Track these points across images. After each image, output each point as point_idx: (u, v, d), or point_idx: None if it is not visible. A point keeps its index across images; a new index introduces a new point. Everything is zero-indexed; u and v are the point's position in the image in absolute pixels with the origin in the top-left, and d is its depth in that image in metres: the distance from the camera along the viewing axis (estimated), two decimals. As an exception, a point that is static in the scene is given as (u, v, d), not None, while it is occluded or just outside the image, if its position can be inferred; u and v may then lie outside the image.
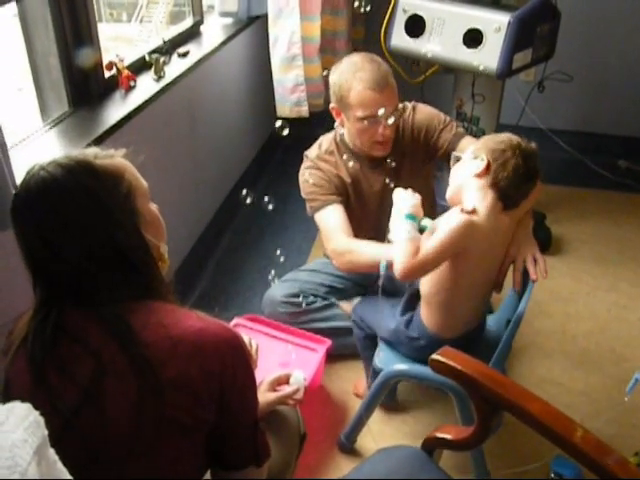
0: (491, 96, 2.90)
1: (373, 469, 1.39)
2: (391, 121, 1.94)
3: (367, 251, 1.89)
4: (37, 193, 0.97)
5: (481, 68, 2.62)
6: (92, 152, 1.04)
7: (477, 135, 2.91)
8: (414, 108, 2.11)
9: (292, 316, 2.24)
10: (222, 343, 1.01)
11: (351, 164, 2.07)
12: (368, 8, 2.10)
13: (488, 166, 1.65)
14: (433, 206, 2.31)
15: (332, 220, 2.01)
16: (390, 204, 2.14)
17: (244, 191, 1.90)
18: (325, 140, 2.14)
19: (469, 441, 1.38)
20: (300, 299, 2.23)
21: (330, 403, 2.17)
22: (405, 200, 1.70)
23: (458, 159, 1.76)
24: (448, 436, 1.41)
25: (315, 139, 2.19)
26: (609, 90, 3.75)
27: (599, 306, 2.68)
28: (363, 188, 2.11)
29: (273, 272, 2.37)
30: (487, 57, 2.58)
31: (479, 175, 1.66)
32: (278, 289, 2.27)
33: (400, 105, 2.06)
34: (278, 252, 2.36)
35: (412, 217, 1.66)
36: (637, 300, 2.71)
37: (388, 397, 2.05)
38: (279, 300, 2.24)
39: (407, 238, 1.62)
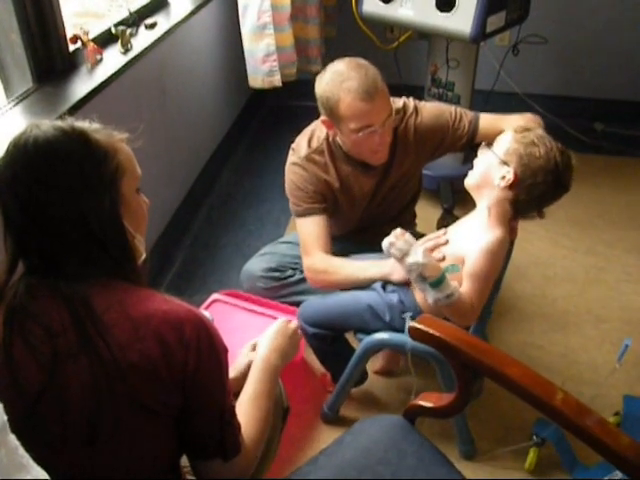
0: (466, 61, 2.86)
1: (355, 439, 1.39)
2: (389, 127, 1.85)
3: (342, 272, 1.88)
4: (24, 147, 0.95)
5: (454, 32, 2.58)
6: (94, 126, 1.03)
7: (453, 101, 2.89)
8: (416, 109, 1.99)
9: (271, 290, 2.21)
10: (186, 327, 0.97)
11: (343, 167, 1.98)
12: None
13: (514, 182, 1.59)
14: (420, 181, 2.26)
15: (311, 233, 1.96)
16: (378, 200, 2.09)
17: None
18: (316, 137, 2.00)
19: (450, 408, 1.38)
20: (279, 273, 2.21)
21: (312, 375, 2.17)
22: (413, 267, 1.56)
23: (488, 145, 1.68)
24: (429, 404, 1.41)
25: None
26: (584, 52, 3.73)
27: (577, 269, 2.69)
28: (353, 190, 2.02)
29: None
30: (460, 21, 2.54)
31: (502, 187, 1.61)
32: (256, 263, 2.25)
33: (400, 103, 1.97)
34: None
35: (437, 282, 1.55)
36: (614, 262, 2.73)
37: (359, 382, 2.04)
38: (258, 275, 2.22)
39: (451, 302, 1.55)
